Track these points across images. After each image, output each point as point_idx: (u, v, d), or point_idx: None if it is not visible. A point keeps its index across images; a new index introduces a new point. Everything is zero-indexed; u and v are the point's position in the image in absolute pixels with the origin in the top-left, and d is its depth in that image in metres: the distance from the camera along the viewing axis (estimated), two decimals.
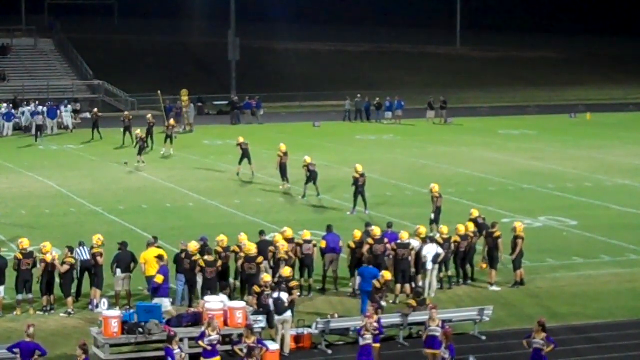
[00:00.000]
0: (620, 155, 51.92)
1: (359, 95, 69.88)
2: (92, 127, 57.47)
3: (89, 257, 25.45)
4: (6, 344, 20.47)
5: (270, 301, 22.41)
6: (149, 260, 24.91)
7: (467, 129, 63.73)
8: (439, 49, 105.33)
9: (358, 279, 25.07)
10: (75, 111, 64.02)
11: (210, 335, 20.01)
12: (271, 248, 25.81)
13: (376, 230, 26.79)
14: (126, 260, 25.28)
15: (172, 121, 53.29)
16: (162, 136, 51.70)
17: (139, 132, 49.22)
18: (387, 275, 23.97)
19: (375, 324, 20.44)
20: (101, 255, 25.22)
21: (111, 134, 56.67)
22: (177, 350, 19.35)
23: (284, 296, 22.44)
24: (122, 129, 54.32)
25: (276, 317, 22.23)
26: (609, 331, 23.75)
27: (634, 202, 38.90)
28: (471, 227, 27.75)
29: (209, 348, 19.91)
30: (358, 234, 26.83)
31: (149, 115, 54.00)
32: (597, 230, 33.94)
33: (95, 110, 59.60)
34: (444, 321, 21.15)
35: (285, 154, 41.38)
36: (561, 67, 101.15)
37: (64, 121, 61.53)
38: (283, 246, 25.74)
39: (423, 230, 27.34)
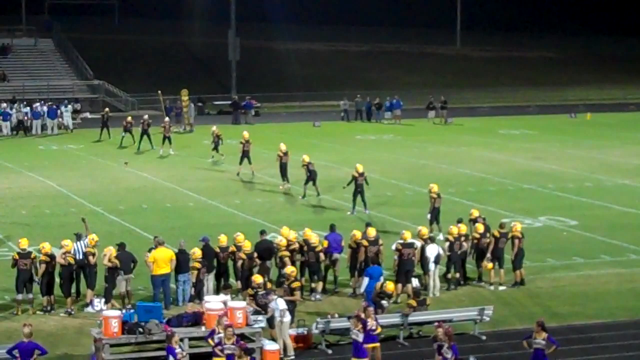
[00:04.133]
0: (620, 155, 51.92)
1: (358, 96, 69.92)
2: (101, 126, 57.39)
3: (82, 257, 25.46)
4: (6, 345, 20.48)
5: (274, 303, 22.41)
6: (157, 259, 24.93)
7: (467, 129, 63.74)
8: (439, 48, 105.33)
9: (366, 280, 24.90)
10: (75, 111, 64.00)
11: (220, 333, 19.98)
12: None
13: (370, 232, 26.75)
14: (127, 261, 25.26)
15: (166, 120, 53.21)
16: (160, 136, 51.63)
17: (215, 128, 49.54)
18: (390, 287, 23.97)
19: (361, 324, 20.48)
20: (94, 255, 25.18)
21: (112, 134, 56.68)
22: (177, 350, 19.34)
23: (281, 302, 22.33)
24: (122, 131, 54.34)
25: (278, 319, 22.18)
26: (609, 331, 23.74)
27: (634, 202, 38.89)
28: (480, 228, 27.66)
29: (219, 348, 19.88)
30: (359, 234, 26.81)
31: (145, 116, 53.93)
32: (597, 230, 33.93)
33: (107, 109, 59.46)
34: (443, 321, 21.11)
35: (286, 153, 41.38)
36: (561, 67, 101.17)
37: (64, 121, 61.56)
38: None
39: (425, 231, 27.32)
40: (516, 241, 27.19)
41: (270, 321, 22.59)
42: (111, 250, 24.98)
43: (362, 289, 25.00)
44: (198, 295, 24.72)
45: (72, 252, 25.21)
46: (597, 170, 46.71)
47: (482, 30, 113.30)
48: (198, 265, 24.88)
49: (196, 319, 22.06)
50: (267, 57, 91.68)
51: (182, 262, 25.32)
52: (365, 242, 26.34)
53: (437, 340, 19.51)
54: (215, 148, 48.54)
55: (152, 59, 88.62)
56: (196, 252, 25.06)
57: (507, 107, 77.55)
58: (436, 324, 20.30)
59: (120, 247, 25.51)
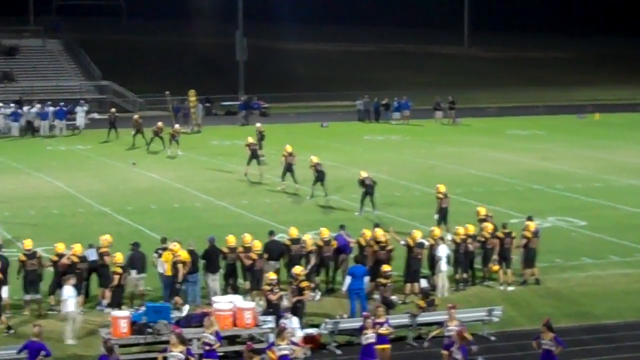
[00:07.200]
0: (629, 155, 51.81)
1: (366, 96, 69.89)
2: (108, 127, 57.33)
3: (96, 258, 25.47)
4: (15, 345, 20.51)
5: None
6: (170, 260, 24.92)
7: (475, 129, 63.67)
8: (446, 49, 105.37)
9: (348, 279, 24.73)
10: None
11: (204, 333, 19.92)
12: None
13: (367, 234, 26.65)
14: (140, 261, 25.26)
15: (177, 126, 53.07)
16: (167, 137, 51.64)
17: (259, 125, 49.27)
18: (385, 266, 24.06)
19: (383, 321, 20.43)
20: (109, 254, 25.23)
21: (120, 134, 56.74)
22: (174, 353, 18.94)
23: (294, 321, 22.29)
24: (132, 131, 54.34)
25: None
26: (618, 331, 23.71)
27: None
28: (490, 228, 27.60)
29: (207, 348, 19.80)
30: (368, 233, 26.79)
31: (160, 123, 53.52)
32: (605, 231, 33.87)
33: (113, 110, 59.47)
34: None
35: (290, 154, 41.29)
36: (570, 68, 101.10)
37: (77, 121, 61.56)
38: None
39: (437, 232, 27.29)
40: (524, 240, 27.18)
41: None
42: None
43: (344, 288, 24.88)
44: (117, 303, 24.19)
45: (82, 255, 25.23)
46: (606, 171, 46.62)
47: (489, 31, 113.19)
48: (119, 270, 24.58)
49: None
50: (274, 57, 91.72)
51: (192, 262, 25.33)
52: (373, 244, 26.37)
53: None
54: (260, 147, 48.15)
55: (159, 60, 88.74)
56: (117, 256, 24.74)
57: (515, 108, 77.39)
58: (449, 305, 20.33)
59: (135, 246, 25.51)
